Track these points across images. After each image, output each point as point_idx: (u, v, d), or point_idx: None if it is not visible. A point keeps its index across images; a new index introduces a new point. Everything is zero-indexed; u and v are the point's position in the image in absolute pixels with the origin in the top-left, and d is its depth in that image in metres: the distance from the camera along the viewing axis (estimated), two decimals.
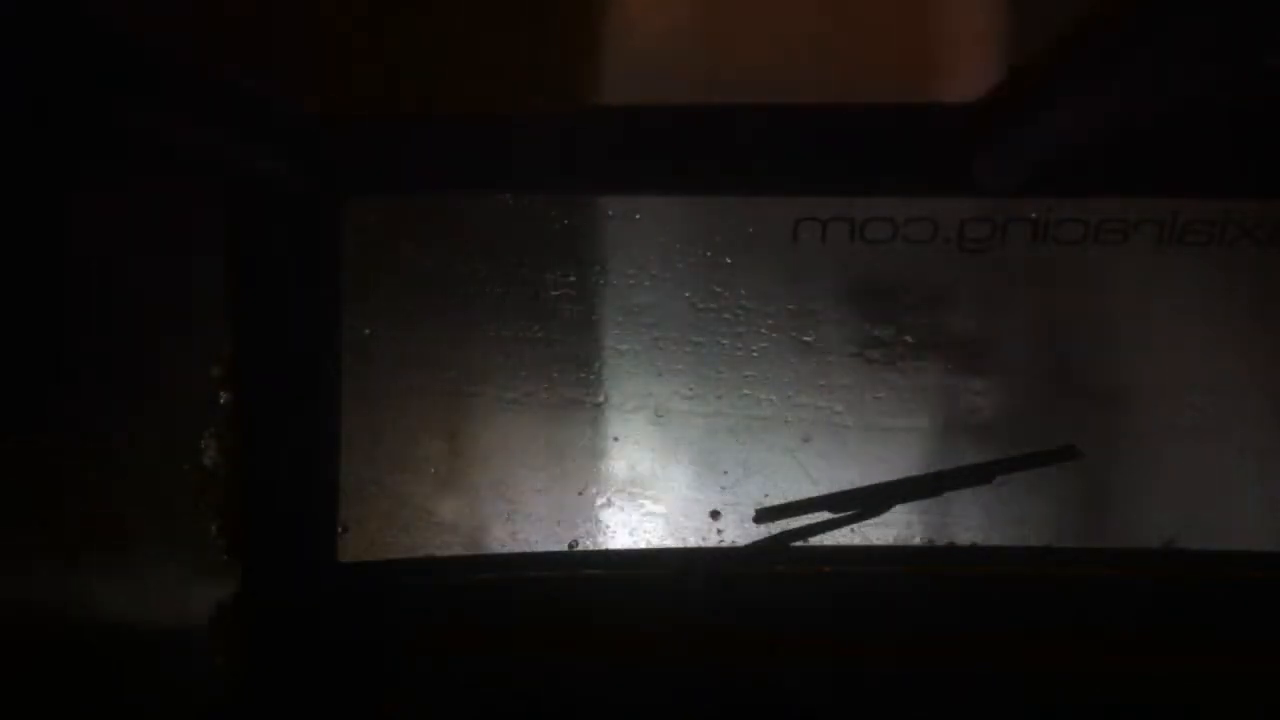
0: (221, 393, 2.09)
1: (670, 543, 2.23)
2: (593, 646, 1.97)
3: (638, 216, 2.24)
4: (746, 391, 2.26)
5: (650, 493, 2.26)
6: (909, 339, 2.25)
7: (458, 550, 2.22)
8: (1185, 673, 1.89)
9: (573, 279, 2.25)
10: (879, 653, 1.92)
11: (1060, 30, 1.59)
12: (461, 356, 2.26)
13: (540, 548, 2.21)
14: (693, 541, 2.22)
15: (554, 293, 2.25)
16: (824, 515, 2.14)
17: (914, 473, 2.18)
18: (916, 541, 2.20)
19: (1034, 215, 2.23)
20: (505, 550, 2.22)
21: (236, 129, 1.87)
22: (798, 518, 2.14)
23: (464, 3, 1.57)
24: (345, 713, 2.05)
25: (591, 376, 2.26)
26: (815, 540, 2.15)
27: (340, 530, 2.17)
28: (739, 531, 2.20)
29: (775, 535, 2.15)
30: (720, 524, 2.22)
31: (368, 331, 2.21)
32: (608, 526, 2.24)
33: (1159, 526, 2.20)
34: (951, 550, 2.20)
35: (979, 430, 2.25)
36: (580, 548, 2.20)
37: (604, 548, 2.22)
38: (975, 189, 2.03)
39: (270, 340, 2.10)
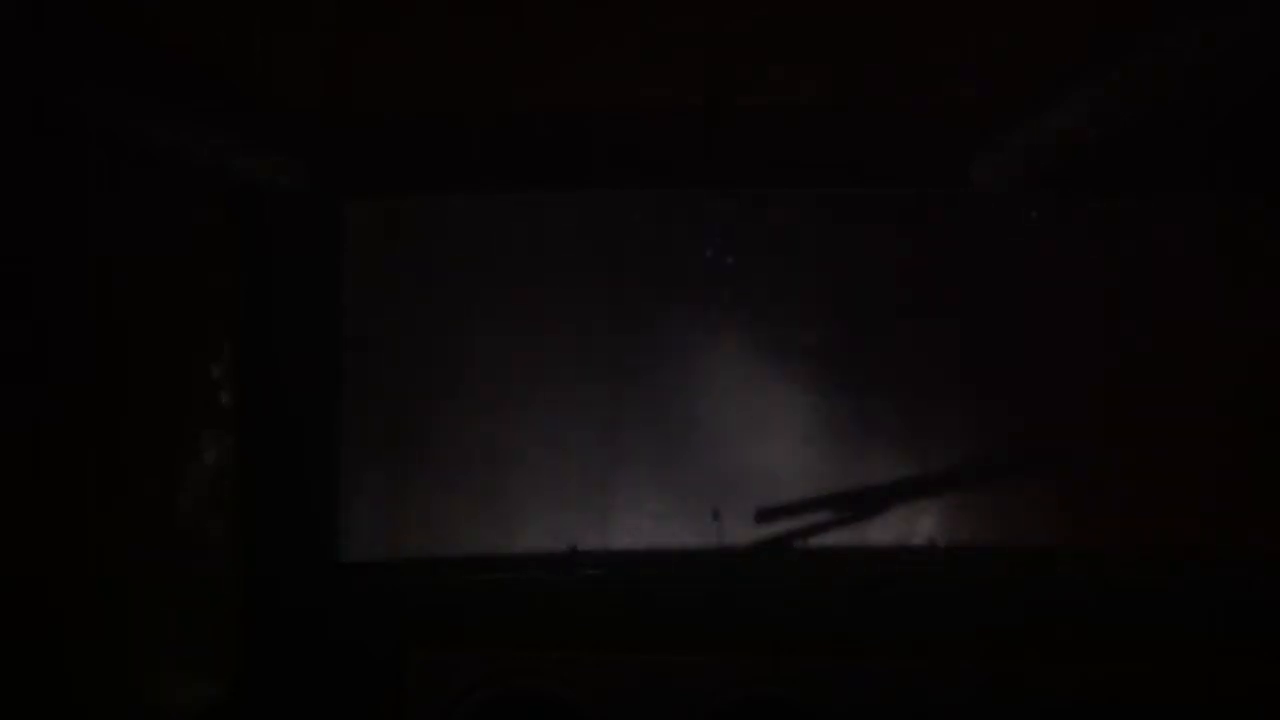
0: (221, 393, 2.09)
1: (670, 543, 2.23)
2: (593, 646, 1.97)
3: (638, 216, 2.24)
4: (746, 392, 2.26)
5: (650, 493, 2.25)
6: (909, 339, 2.25)
7: (458, 550, 2.22)
8: (1185, 673, 1.89)
9: (572, 279, 2.25)
10: (879, 652, 1.92)
11: (1060, 30, 1.60)
12: (462, 355, 2.26)
13: (540, 548, 2.21)
14: (693, 541, 2.22)
15: (554, 293, 2.25)
16: (824, 515, 2.14)
17: (914, 473, 2.18)
18: (916, 541, 2.20)
19: (1034, 214, 2.23)
20: (505, 550, 2.22)
21: (236, 130, 1.87)
22: (798, 518, 2.14)
23: (464, 3, 1.57)
24: (345, 713, 2.05)
25: (591, 376, 2.26)
26: (815, 540, 2.15)
27: (340, 530, 2.17)
28: (739, 531, 2.20)
29: (775, 535, 2.15)
30: (720, 524, 2.22)
31: (368, 330, 2.21)
32: (608, 526, 2.24)
33: (1159, 526, 2.20)
34: (951, 550, 2.20)
35: (979, 431, 2.25)
36: (580, 548, 2.19)
37: (604, 548, 2.22)
38: (975, 188, 2.03)
39: (270, 340, 2.10)
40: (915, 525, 2.21)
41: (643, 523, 2.24)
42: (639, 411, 2.26)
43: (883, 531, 2.19)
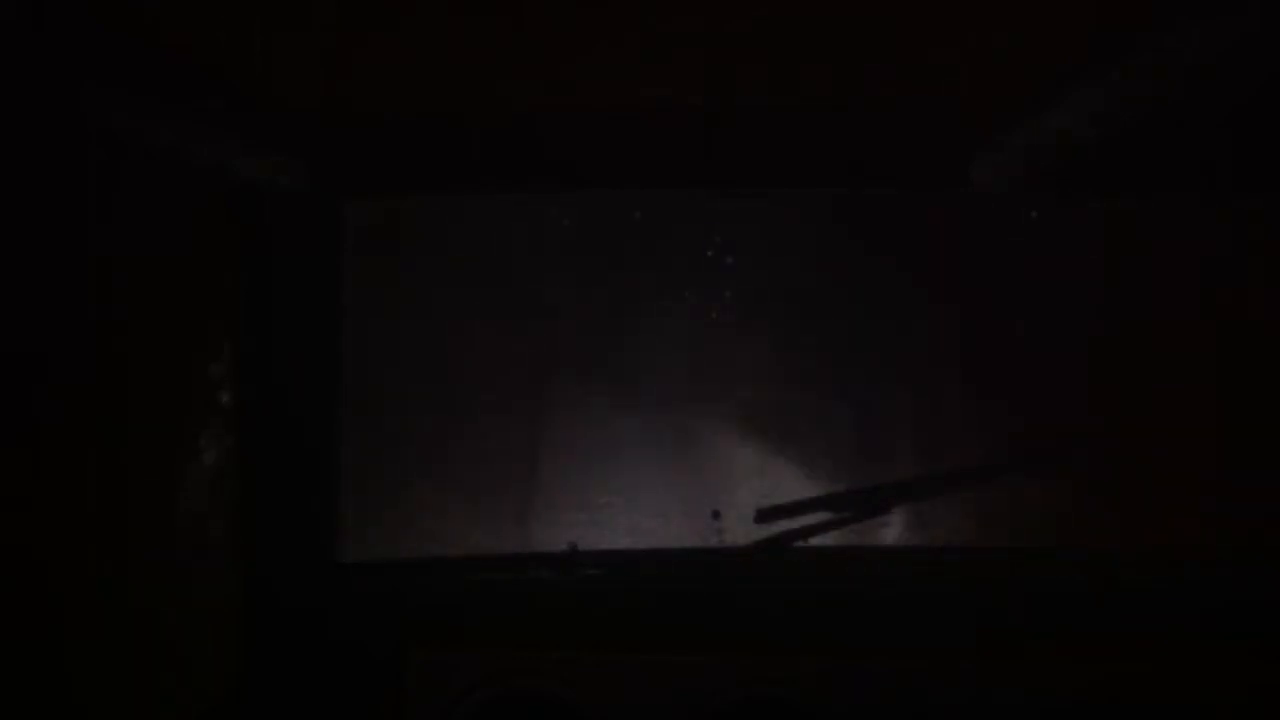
0: (221, 393, 2.09)
1: (670, 543, 2.23)
2: (593, 646, 1.97)
3: (637, 216, 2.24)
4: (747, 392, 2.26)
5: (650, 493, 2.25)
6: (909, 339, 2.25)
7: (458, 550, 2.22)
8: (1185, 673, 1.89)
9: (572, 279, 2.25)
10: (879, 653, 1.92)
11: (1060, 30, 1.59)
12: (462, 356, 2.26)
13: (540, 548, 2.21)
14: (693, 541, 2.22)
15: (553, 292, 2.25)
16: (824, 515, 2.14)
17: (914, 473, 2.18)
18: (916, 541, 2.20)
19: (1034, 214, 2.23)
20: (505, 550, 2.22)
21: (236, 130, 1.87)
22: (798, 518, 2.14)
23: (464, 3, 1.57)
24: (345, 713, 2.05)
25: (592, 376, 2.26)
26: (815, 540, 2.15)
27: (340, 530, 2.17)
28: (739, 531, 2.20)
29: (775, 535, 2.15)
30: (720, 524, 2.22)
31: (368, 331, 2.21)
32: (608, 526, 2.24)
33: (1159, 526, 2.20)
34: (951, 550, 2.20)
35: (978, 430, 2.25)
36: (580, 548, 2.19)
37: (604, 548, 2.22)
38: (975, 188, 2.03)
39: (270, 340, 2.10)
40: (915, 525, 2.21)
41: (643, 523, 2.24)
42: (639, 411, 2.26)
43: (883, 531, 2.19)
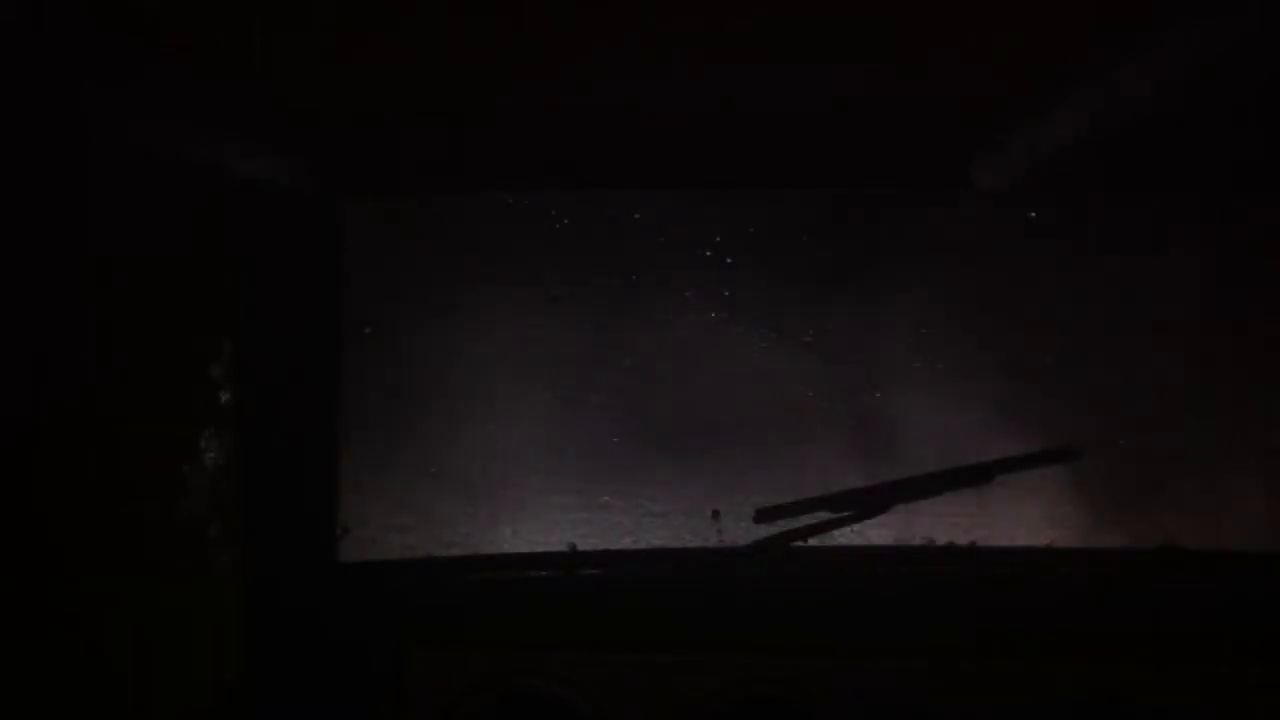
0: (221, 393, 2.09)
1: (670, 543, 2.23)
2: (593, 646, 1.97)
3: (637, 216, 2.24)
4: (746, 392, 2.26)
5: (650, 493, 2.25)
6: (909, 338, 2.25)
7: (458, 550, 2.22)
8: (1185, 673, 1.89)
9: (571, 278, 2.25)
10: (879, 653, 1.92)
11: (1060, 30, 1.60)
12: (462, 355, 2.26)
13: (540, 548, 2.21)
14: (693, 541, 2.22)
15: (553, 292, 2.25)
16: (824, 515, 2.14)
17: (914, 473, 2.18)
18: (916, 541, 2.20)
19: (1033, 214, 2.23)
20: (505, 550, 2.22)
21: (236, 130, 1.87)
22: (798, 518, 2.14)
23: (464, 3, 1.57)
24: (345, 713, 2.05)
25: (592, 376, 2.26)
26: (815, 540, 2.15)
27: (340, 530, 2.17)
28: (739, 531, 2.20)
29: (775, 535, 2.15)
30: (720, 524, 2.22)
31: (368, 330, 2.21)
32: (608, 526, 2.24)
33: (1159, 526, 2.20)
34: (951, 550, 2.20)
35: (979, 430, 2.25)
36: (580, 548, 2.20)
37: (604, 548, 2.22)
38: (975, 188, 2.03)
39: (270, 340, 2.10)
40: (915, 525, 2.21)
41: (643, 523, 2.24)
42: (639, 411, 2.26)
43: (883, 531, 2.19)
